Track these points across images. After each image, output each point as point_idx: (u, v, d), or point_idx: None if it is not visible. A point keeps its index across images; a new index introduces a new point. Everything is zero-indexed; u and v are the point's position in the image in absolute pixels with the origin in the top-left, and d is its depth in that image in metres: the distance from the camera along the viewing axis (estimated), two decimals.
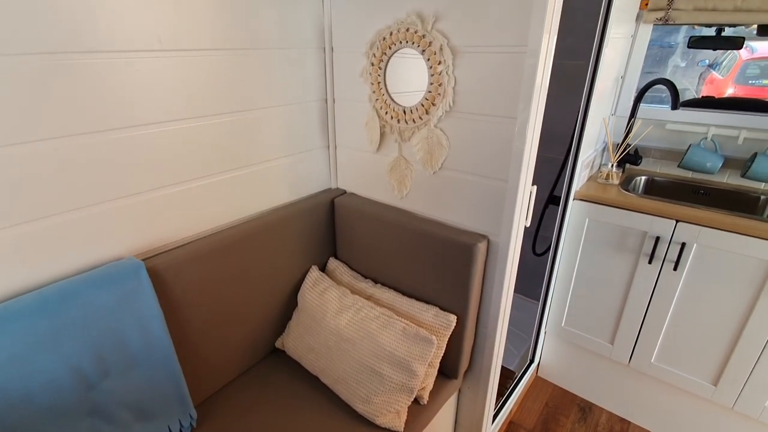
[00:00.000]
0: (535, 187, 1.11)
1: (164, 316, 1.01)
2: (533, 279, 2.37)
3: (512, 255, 1.11)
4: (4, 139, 0.77)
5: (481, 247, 1.10)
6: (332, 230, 1.47)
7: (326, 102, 1.40)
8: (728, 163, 1.62)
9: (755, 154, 1.52)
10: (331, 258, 1.48)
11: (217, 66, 1.06)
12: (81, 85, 0.84)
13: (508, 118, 1.00)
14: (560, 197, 1.63)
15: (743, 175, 1.54)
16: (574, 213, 1.61)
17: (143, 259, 1.00)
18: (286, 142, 1.31)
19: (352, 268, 1.45)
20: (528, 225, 1.16)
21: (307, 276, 1.38)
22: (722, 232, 1.32)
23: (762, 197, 1.53)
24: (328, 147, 1.47)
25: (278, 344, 1.36)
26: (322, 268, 1.47)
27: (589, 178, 1.73)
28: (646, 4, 1.62)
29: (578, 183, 1.60)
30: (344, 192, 1.49)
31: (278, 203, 1.35)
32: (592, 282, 1.65)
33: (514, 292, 2.41)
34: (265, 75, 1.19)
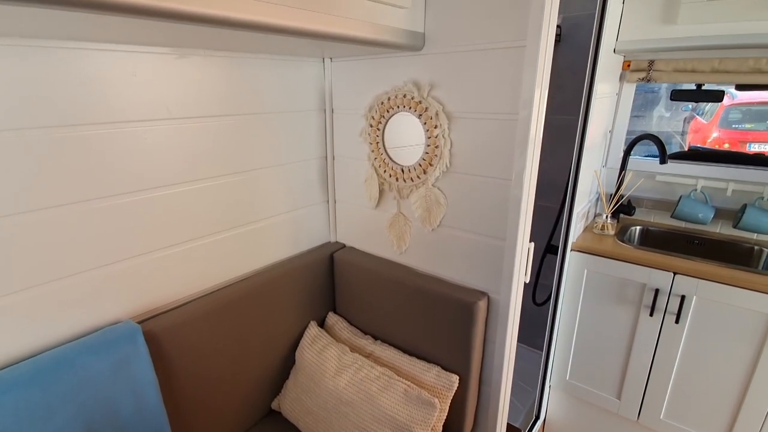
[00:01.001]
0: (532, 244, 1.13)
1: (159, 381, 0.98)
2: (535, 327, 2.33)
3: (513, 314, 1.10)
4: (8, 210, 0.78)
5: (482, 305, 1.10)
6: (331, 284, 1.47)
7: (326, 159, 1.44)
8: (720, 213, 1.65)
9: (745, 206, 1.56)
10: (330, 313, 1.47)
11: (223, 130, 1.11)
12: (90, 155, 0.87)
13: (503, 180, 1.03)
14: (558, 246, 1.64)
15: (735, 226, 1.57)
16: (573, 264, 1.62)
17: (141, 322, 0.99)
18: (287, 198, 1.34)
19: (351, 324, 1.44)
20: (527, 281, 1.16)
21: (305, 332, 1.35)
22: (721, 285, 1.32)
23: (756, 247, 1.55)
24: (328, 202, 1.49)
25: (274, 406, 1.32)
26: (321, 324, 1.45)
27: (585, 229, 1.76)
28: (629, 65, 1.72)
29: (575, 234, 1.62)
30: (343, 246, 1.50)
31: (278, 258, 1.36)
32: (595, 333, 1.63)
33: (517, 341, 2.36)
34: (269, 136, 1.23)
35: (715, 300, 1.35)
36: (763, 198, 1.56)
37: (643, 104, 2.67)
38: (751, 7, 1.25)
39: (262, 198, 1.26)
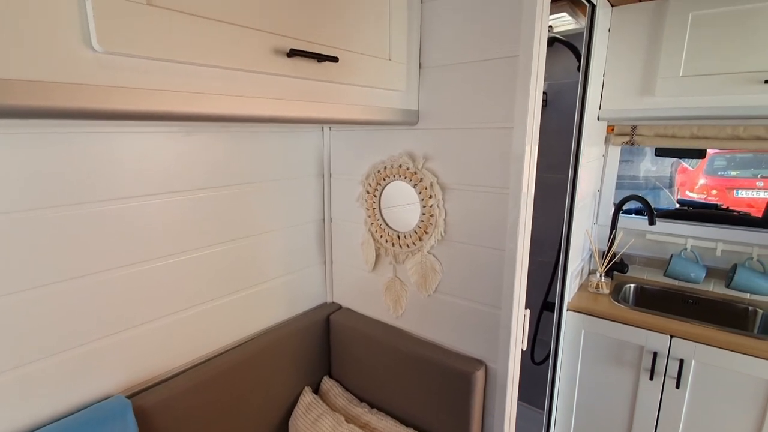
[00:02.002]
0: (528, 311, 1.14)
1: None
2: (536, 386, 2.28)
3: (511, 385, 1.09)
4: (12, 287, 0.79)
5: (479, 375, 1.09)
6: (327, 347, 1.45)
7: (323, 222, 1.47)
8: (711, 272, 1.68)
9: (735, 266, 1.59)
10: (325, 377, 1.44)
11: (224, 199, 1.14)
12: (92, 231, 0.89)
13: (497, 250, 1.06)
14: (554, 303, 1.64)
15: (728, 286, 1.58)
16: (569, 324, 1.61)
17: (132, 395, 0.97)
18: (284, 261, 1.36)
19: (347, 389, 1.40)
20: (524, 348, 1.16)
21: (299, 399, 1.32)
22: (718, 349, 1.32)
23: (750, 308, 1.56)
24: (325, 263, 1.51)
25: None
26: (316, 389, 1.42)
27: (580, 287, 1.77)
28: (612, 129, 1.81)
29: (570, 293, 1.63)
30: (340, 307, 1.50)
31: (275, 322, 1.35)
32: (597, 395, 1.60)
33: (518, 400, 2.30)
34: (268, 202, 1.27)
35: (714, 365, 1.34)
36: (752, 258, 1.60)
37: (630, 149, 2.75)
38: (723, 83, 1.35)
39: (260, 263, 1.27)
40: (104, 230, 0.91)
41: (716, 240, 1.66)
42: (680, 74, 1.41)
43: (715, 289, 1.69)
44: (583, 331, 1.59)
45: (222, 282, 1.17)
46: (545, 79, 1.97)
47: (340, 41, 0.82)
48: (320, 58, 0.76)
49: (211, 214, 1.11)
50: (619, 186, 1.88)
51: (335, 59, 0.78)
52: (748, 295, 1.61)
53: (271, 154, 1.25)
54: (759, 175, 4.42)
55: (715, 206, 2.63)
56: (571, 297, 1.66)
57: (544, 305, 1.96)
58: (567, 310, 1.61)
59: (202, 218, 1.09)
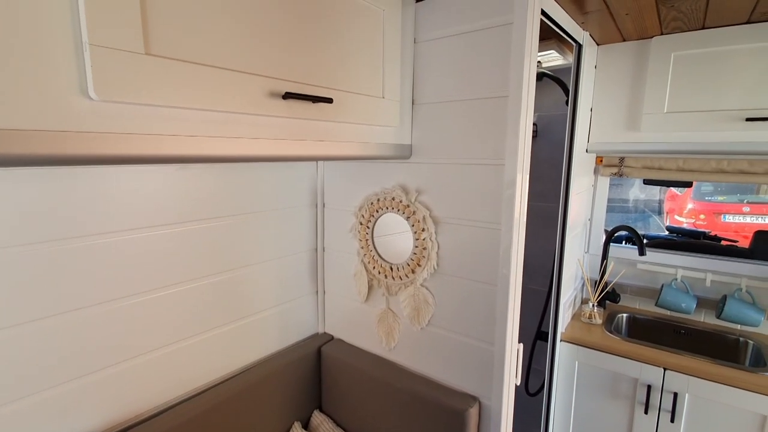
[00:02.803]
0: (521, 345, 1.13)
1: None
2: (531, 418, 2.24)
3: (506, 422, 1.07)
4: (7, 322, 0.77)
5: (473, 412, 1.07)
6: (318, 380, 1.42)
7: (316, 251, 1.47)
8: (702, 302, 1.69)
9: (725, 297, 1.60)
10: (315, 411, 1.40)
11: (217, 231, 1.14)
12: (77, 266, 0.88)
13: (489, 285, 1.06)
14: (547, 333, 1.63)
15: (718, 317, 1.59)
16: (563, 356, 1.60)
17: None
18: (276, 292, 1.34)
19: (338, 424, 1.37)
20: (518, 383, 1.14)
21: None
22: (712, 383, 1.32)
23: (741, 339, 1.57)
24: (317, 293, 1.50)
25: None
26: (306, 424, 1.38)
27: (573, 316, 1.77)
28: (601, 160, 1.84)
29: (563, 323, 1.63)
30: (332, 338, 1.48)
31: (264, 354, 1.33)
32: (592, 429, 1.57)
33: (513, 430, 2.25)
34: (260, 233, 1.26)
35: (707, 398, 1.33)
36: (741, 289, 1.61)
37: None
38: (706, 120, 1.39)
39: (251, 294, 1.26)
40: (90, 265, 0.89)
41: (705, 270, 1.68)
42: (664, 110, 1.46)
43: (707, 319, 1.69)
44: (577, 362, 1.58)
45: (211, 315, 1.15)
46: (535, 111, 2.02)
47: (334, 82, 0.84)
48: (315, 99, 0.77)
49: (201, 246, 1.11)
50: (609, 209, 1.90)
51: (330, 100, 0.80)
52: (738, 326, 1.62)
53: (264, 185, 1.26)
54: (745, 200, 4.52)
55: (704, 234, 2.67)
56: (565, 327, 1.65)
57: (538, 334, 1.95)
58: (561, 340, 1.60)
59: (191, 251, 1.08)
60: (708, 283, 1.68)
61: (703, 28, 1.37)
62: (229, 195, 1.16)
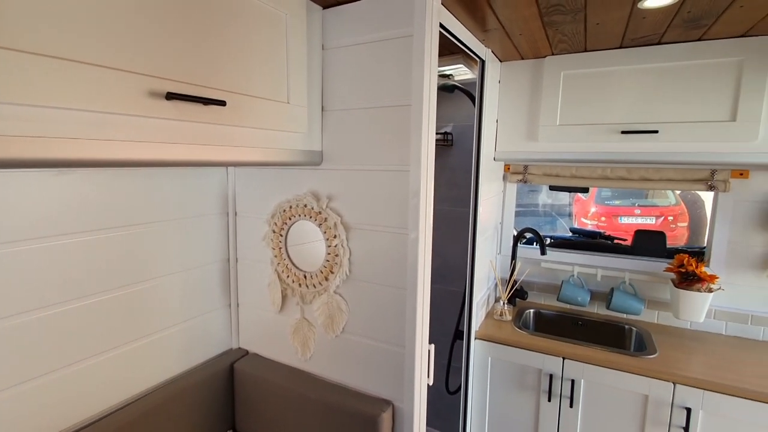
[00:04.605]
0: (432, 346, 1.16)
1: None
2: (453, 415, 2.32)
3: (418, 422, 1.10)
4: None
5: (386, 417, 1.08)
6: (231, 399, 1.34)
7: (228, 262, 1.40)
8: (595, 296, 1.88)
9: (612, 289, 1.80)
10: None
11: (109, 244, 1.03)
12: None
13: (399, 289, 1.08)
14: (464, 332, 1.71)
15: (608, 307, 1.78)
16: (478, 352, 1.68)
17: None
18: (183, 307, 1.25)
19: None
20: (431, 383, 1.18)
21: None
22: (602, 368, 1.46)
23: (626, 327, 1.77)
24: (230, 306, 1.42)
25: None
26: None
27: (487, 315, 1.87)
28: (509, 168, 1.99)
29: (477, 322, 1.71)
30: (246, 353, 1.41)
31: (169, 375, 1.22)
32: (505, 419, 1.67)
33: (435, 428, 2.32)
34: (163, 245, 1.17)
35: (599, 383, 1.48)
36: (625, 282, 1.82)
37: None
38: (590, 132, 1.56)
39: (153, 310, 1.16)
40: None
41: (597, 267, 1.87)
42: (557, 123, 1.61)
43: (599, 311, 1.89)
44: (490, 358, 1.67)
45: (105, 335, 1.04)
46: (450, 121, 2.13)
47: (228, 85, 0.81)
48: (206, 101, 0.73)
49: (88, 261, 1.00)
50: (525, 213, 2.05)
51: (222, 103, 0.76)
52: (624, 315, 1.82)
53: (166, 192, 1.17)
54: (636, 204, 5.19)
55: (600, 234, 2.99)
56: (479, 325, 1.74)
57: (456, 334, 2.03)
58: (475, 338, 1.68)
59: (75, 267, 0.97)
60: (599, 278, 1.87)
61: (586, 50, 1.54)
62: (123, 204, 1.06)
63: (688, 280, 1.57)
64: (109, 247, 1.04)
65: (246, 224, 1.36)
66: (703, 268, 1.56)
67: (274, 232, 1.28)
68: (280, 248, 1.27)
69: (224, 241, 1.38)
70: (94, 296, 1.01)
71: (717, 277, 1.55)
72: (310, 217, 1.19)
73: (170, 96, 0.67)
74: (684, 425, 1.35)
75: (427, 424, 2.35)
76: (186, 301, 1.26)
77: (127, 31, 0.65)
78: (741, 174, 1.59)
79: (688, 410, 1.34)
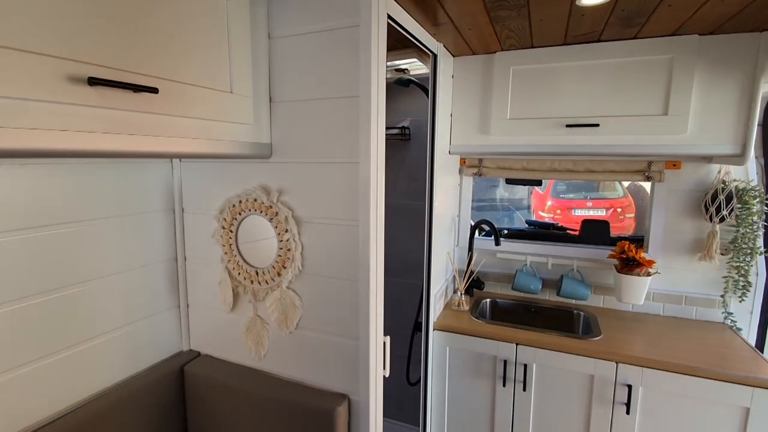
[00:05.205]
0: (387, 337, 1.17)
1: None
2: (414, 405, 2.35)
3: (375, 416, 1.10)
4: None
5: (341, 411, 1.07)
6: (182, 403, 1.29)
7: (176, 261, 1.34)
8: (546, 283, 1.96)
9: (562, 276, 1.88)
10: None
11: (33, 245, 0.95)
12: None
13: (351, 281, 1.08)
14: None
15: (558, 294, 1.86)
16: (436, 343, 1.71)
17: None
18: (126, 309, 1.18)
19: None
20: (387, 375, 1.18)
21: None
22: (552, 352, 1.53)
23: (575, 311, 1.86)
24: (179, 307, 1.36)
25: None
26: None
27: (446, 306, 1.90)
28: (464, 162, 2.03)
29: (435, 313, 1.74)
30: (198, 354, 1.36)
31: (112, 381, 1.16)
32: (464, 407, 1.70)
33: (397, 420, 2.34)
34: (101, 244, 1.10)
35: (550, 366, 1.54)
36: (573, 269, 1.91)
37: (491, 181, 3.16)
38: (538, 126, 1.62)
39: (92, 314, 1.09)
40: None
41: (547, 255, 1.95)
42: (508, 117, 1.66)
43: (550, 297, 1.97)
44: (448, 347, 1.70)
45: (36, 342, 0.97)
46: (407, 116, 2.14)
47: (162, 71, 0.77)
48: (135, 88, 0.69)
49: (12, 264, 0.92)
50: (485, 208, 2.10)
51: (155, 90, 0.72)
52: (573, 301, 1.91)
53: (104, 187, 1.10)
54: (588, 197, 5.46)
55: (553, 225, 3.12)
56: (437, 316, 1.77)
57: (416, 326, 2.06)
58: (433, 329, 1.71)
59: (4, 267, 0.89)
60: (549, 267, 1.95)
61: (533, 46, 1.59)
62: (54, 200, 0.99)
63: (629, 265, 1.67)
64: (37, 248, 0.96)
65: (194, 221, 1.31)
66: (642, 254, 1.66)
67: (223, 228, 1.23)
68: (231, 245, 1.23)
69: (171, 239, 1.32)
70: (21, 301, 0.94)
71: (654, 262, 1.66)
72: (261, 212, 1.16)
73: (92, 81, 0.62)
74: (626, 401, 1.44)
75: (390, 417, 2.37)
76: (129, 303, 1.20)
77: (41, 11, 0.60)
78: (674, 165, 1.70)
79: (629, 387, 1.42)
